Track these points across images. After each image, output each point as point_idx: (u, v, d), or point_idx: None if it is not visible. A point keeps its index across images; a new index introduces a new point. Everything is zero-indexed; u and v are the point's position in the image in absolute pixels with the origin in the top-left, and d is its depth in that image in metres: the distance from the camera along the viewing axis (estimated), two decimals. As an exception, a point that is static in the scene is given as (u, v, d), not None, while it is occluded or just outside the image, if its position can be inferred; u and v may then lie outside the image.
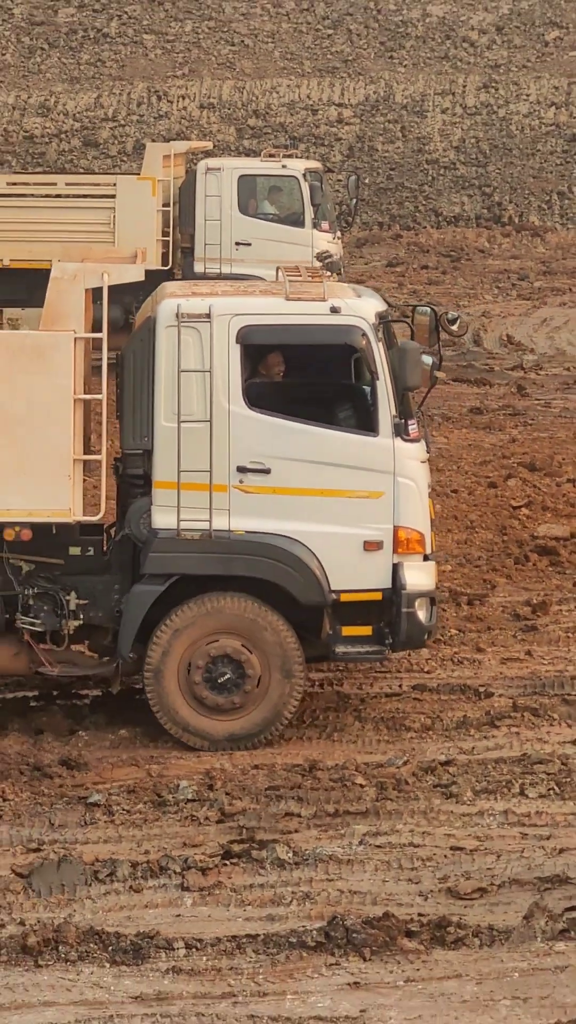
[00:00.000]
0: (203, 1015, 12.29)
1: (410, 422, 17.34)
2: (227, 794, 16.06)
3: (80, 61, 59.97)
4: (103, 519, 17.46)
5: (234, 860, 14.77)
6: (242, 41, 60.15)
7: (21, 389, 16.71)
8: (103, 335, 17.41)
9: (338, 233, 37.60)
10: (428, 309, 20.48)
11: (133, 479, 17.40)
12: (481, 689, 18.52)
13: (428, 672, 19.10)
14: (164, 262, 33.24)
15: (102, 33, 61.07)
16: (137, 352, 17.47)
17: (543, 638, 20.06)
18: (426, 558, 17.40)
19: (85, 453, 17.13)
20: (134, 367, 17.48)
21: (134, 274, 18.65)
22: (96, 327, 18.07)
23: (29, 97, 57.55)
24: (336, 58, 58.93)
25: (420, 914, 13.65)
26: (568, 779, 16.24)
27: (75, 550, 17.32)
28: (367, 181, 51.90)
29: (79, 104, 57.23)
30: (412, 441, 17.32)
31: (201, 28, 60.99)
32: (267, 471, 17.06)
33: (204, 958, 13.16)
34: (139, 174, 35.92)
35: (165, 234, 33.89)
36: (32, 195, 36.37)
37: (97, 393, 17.34)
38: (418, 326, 19.89)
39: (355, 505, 17.11)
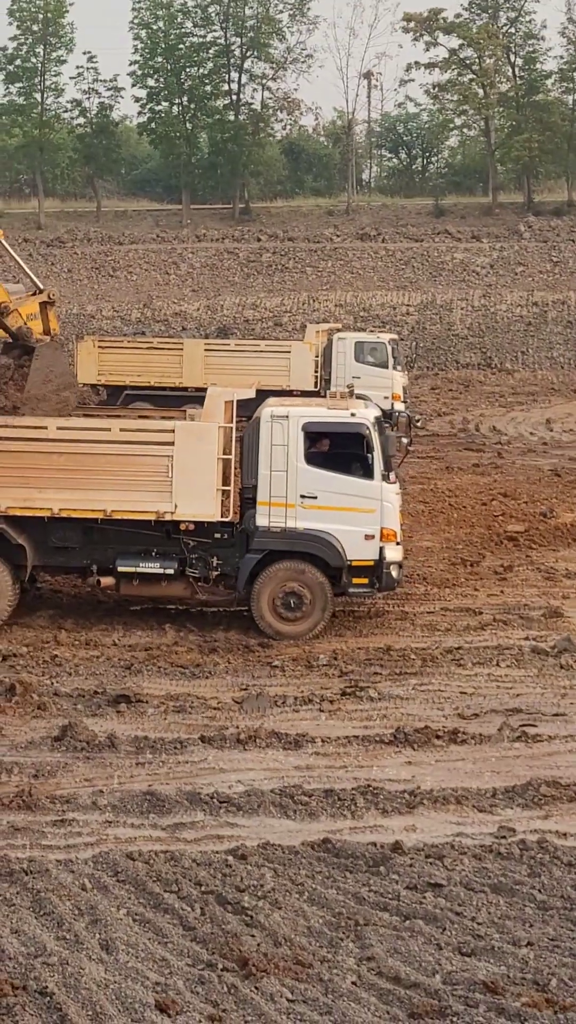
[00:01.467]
0: (330, 776, 12.45)
1: (391, 473, 17.32)
2: (344, 662, 16.04)
3: (273, 281, 59.97)
4: (232, 519, 17.13)
5: (347, 696, 14.82)
6: (357, 271, 60.03)
7: (193, 452, 16.63)
8: (234, 425, 17.27)
9: (406, 372, 37.48)
10: (405, 413, 21.12)
11: (248, 499, 17.29)
12: (476, 610, 18.32)
13: (449, 601, 18.92)
14: (315, 386, 33.20)
15: (286, 267, 61.05)
16: (252, 434, 17.43)
17: (509, 584, 19.86)
18: (397, 543, 17.28)
19: (223, 486, 16.87)
20: (250, 441, 17.48)
21: (248, 394, 18.47)
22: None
23: (247, 299, 57.64)
24: (406, 280, 58.64)
25: (443, 726, 13.69)
26: (522, 657, 16.11)
27: (217, 535, 17.07)
28: (421, 345, 51.65)
29: (272, 303, 57.22)
30: (391, 483, 17.27)
31: (335, 265, 60.83)
32: (315, 497, 16.93)
33: (331, 747, 13.29)
34: (303, 340, 35.99)
35: (316, 372, 33.89)
36: (247, 351, 36.55)
37: (230, 454, 17.06)
38: (398, 423, 20.19)
39: (360, 515, 16.92)
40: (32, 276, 21.17)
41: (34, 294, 20.33)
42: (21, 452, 16.85)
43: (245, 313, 55.69)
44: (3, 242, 20.55)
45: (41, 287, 20.81)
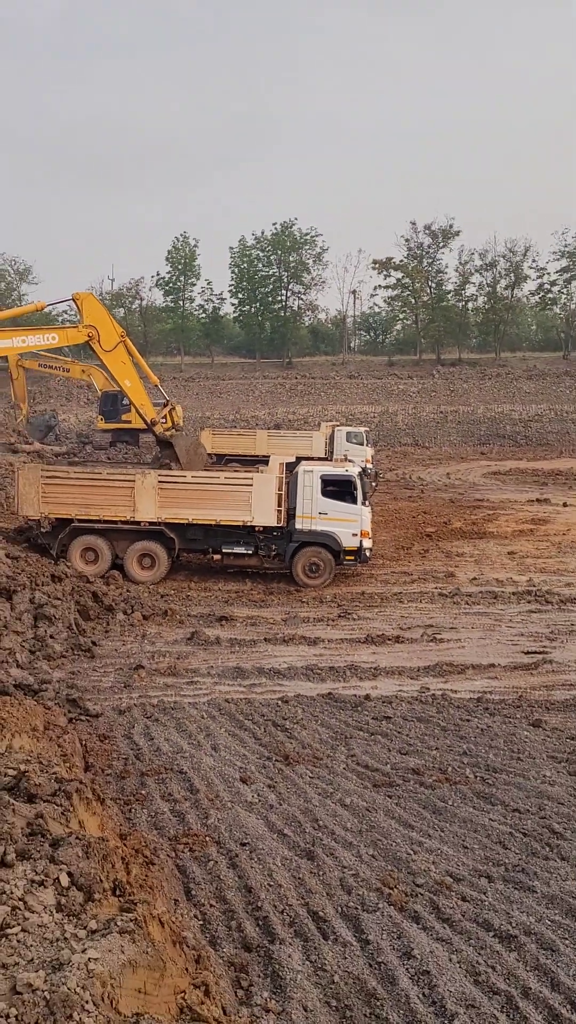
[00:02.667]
0: (332, 659, 12.21)
1: (367, 501, 16.90)
2: (339, 600, 15.74)
3: (303, 399, 59.00)
4: (282, 525, 16.68)
5: (341, 617, 14.56)
6: (347, 395, 59.32)
7: (263, 490, 16.20)
8: (284, 476, 16.92)
9: (373, 448, 35.90)
10: (373, 470, 20.51)
11: (291, 514, 16.78)
12: (409, 573, 17.94)
13: (395, 568, 18.55)
14: (325, 455, 32.37)
15: (310, 392, 60.41)
16: (294, 480, 16.92)
17: (426, 559, 19.41)
18: (369, 538, 16.82)
19: (278, 507, 16.48)
20: (293, 483, 16.91)
21: (291, 459, 17.94)
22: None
23: (290, 409, 56.84)
24: (373, 399, 57.94)
25: (394, 634, 13.43)
26: (434, 598, 15.81)
27: (275, 533, 16.62)
28: (380, 433, 50.73)
29: (303, 411, 56.37)
30: (366, 506, 16.81)
31: (336, 391, 60.15)
32: (327, 513, 16.53)
33: (333, 644, 13.08)
34: (319, 431, 35.24)
35: (326, 447, 33.13)
36: (290, 436, 35.58)
37: (282, 491, 16.63)
38: (368, 475, 19.63)
39: (350, 523, 16.47)
40: (166, 395, 21.42)
41: (165, 405, 20.58)
42: (173, 489, 16.82)
43: (289, 416, 55.26)
44: (159, 386, 20.81)
45: (168, 399, 21.01)
